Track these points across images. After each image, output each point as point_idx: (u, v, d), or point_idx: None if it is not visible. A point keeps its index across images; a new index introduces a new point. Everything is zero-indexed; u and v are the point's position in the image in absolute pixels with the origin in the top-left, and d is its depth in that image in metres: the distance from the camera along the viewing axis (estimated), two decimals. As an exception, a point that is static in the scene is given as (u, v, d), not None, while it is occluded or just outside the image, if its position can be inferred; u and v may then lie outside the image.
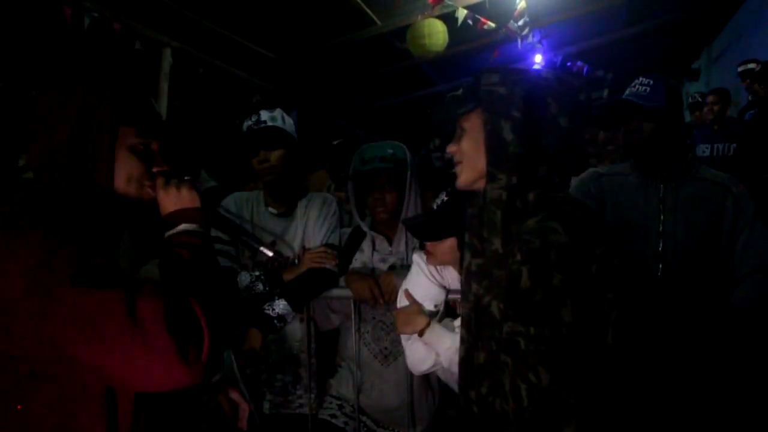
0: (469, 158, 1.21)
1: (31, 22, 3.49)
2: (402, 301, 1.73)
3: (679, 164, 1.86)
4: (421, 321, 1.63)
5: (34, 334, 0.86)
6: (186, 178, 1.11)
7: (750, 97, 4.69)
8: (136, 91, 1.10)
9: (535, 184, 1.15)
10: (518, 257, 1.08)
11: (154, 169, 1.10)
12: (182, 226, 1.05)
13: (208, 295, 0.95)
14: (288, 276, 1.96)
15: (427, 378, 1.96)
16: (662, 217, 1.83)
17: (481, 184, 1.21)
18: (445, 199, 1.62)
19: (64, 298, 0.84)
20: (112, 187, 1.05)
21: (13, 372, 0.91)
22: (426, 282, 1.72)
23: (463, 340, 1.28)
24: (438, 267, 1.73)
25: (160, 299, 0.86)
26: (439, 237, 1.60)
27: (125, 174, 1.06)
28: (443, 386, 1.92)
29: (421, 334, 1.62)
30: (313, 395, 2.04)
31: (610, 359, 1.06)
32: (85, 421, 0.93)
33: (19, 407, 0.92)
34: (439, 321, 1.69)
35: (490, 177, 1.16)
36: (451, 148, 1.25)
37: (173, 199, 1.07)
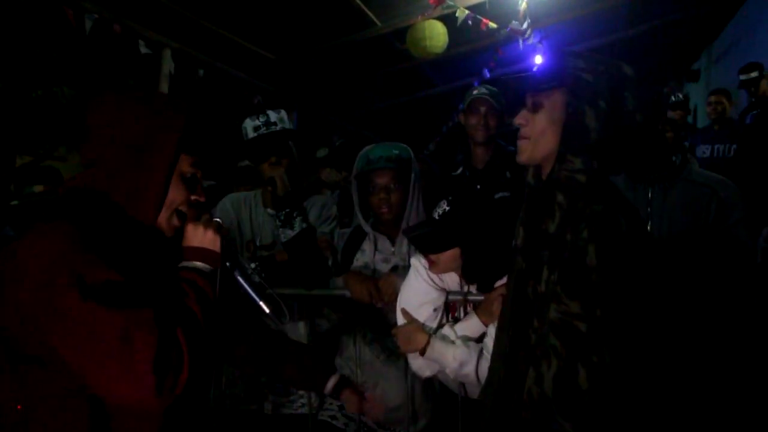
0: (541, 134, 1.18)
1: (31, 23, 3.50)
2: (401, 319, 1.73)
3: (667, 167, 1.85)
4: (421, 339, 1.62)
5: (28, 326, 0.89)
6: (216, 219, 1.14)
7: (752, 99, 4.67)
8: (202, 118, 1.13)
9: (606, 173, 1.15)
10: (585, 234, 1.07)
11: (193, 198, 1.13)
12: (198, 264, 1.08)
13: (197, 336, 0.97)
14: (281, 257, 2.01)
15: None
16: (649, 221, 1.82)
17: (543, 163, 1.20)
18: (447, 209, 1.58)
19: (69, 306, 0.86)
20: (158, 208, 1.08)
21: (10, 357, 0.94)
22: (425, 286, 1.71)
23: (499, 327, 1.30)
24: None
25: (155, 335, 0.88)
26: (443, 249, 1.57)
27: (169, 197, 1.08)
28: (441, 384, 1.92)
29: (422, 352, 1.62)
30: (313, 396, 2.04)
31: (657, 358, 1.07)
32: (72, 415, 0.95)
33: (19, 407, 0.93)
34: (438, 324, 1.69)
35: (560, 158, 1.15)
36: (520, 119, 1.22)
37: (199, 236, 1.10)
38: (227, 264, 1.17)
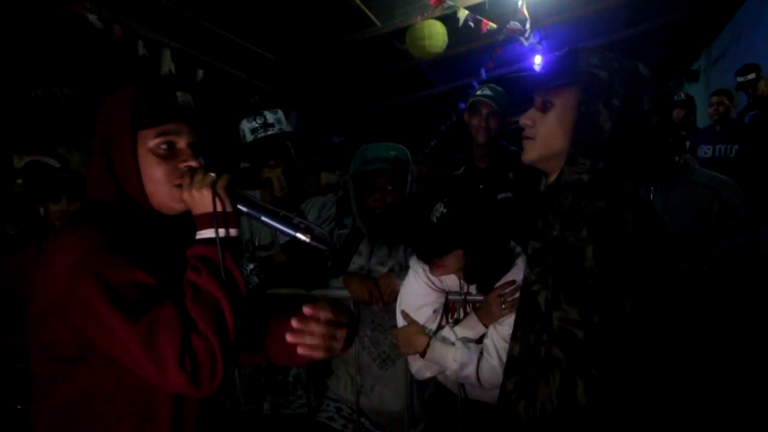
0: (549, 135, 1.12)
1: (32, 23, 3.49)
2: (401, 321, 1.72)
3: (669, 168, 1.83)
4: (422, 341, 1.62)
5: (64, 325, 0.93)
6: (209, 174, 1.01)
7: (750, 99, 4.67)
8: (157, 88, 1.06)
9: (617, 174, 1.10)
10: (584, 233, 1.01)
11: (181, 165, 1.05)
12: (208, 232, 0.99)
13: (223, 318, 0.93)
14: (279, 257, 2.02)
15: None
16: None
17: (549, 164, 1.15)
18: (444, 211, 1.56)
19: (98, 310, 0.88)
20: (144, 194, 1.04)
21: (49, 359, 0.98)
22: (424, 288, 1.71)
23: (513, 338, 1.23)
24: None
25: (178, 334, 0.88)
26: (445, 252, 1.55)
27: (151, 177, 1.03)
28: (439, 386, 1.92)
29: (422, 354, 1.61)
30: (312, 396, 2.04)
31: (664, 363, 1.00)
32: (121, 410, 0.98)
33: (18, 407, 0.94)
34: (438, 325, 1.69)
35: (571, 160, 1.09)
36: (526, 120, 1.16)
37: (197, 201, 1.00)
38: (243, 210, 1.03)
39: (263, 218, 1.05)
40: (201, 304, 0.92)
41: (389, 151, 1.96)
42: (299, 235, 1.03)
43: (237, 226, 1.02)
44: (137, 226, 1.03)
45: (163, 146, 1.04)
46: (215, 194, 0.98)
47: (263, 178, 2.08)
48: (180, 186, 1.03)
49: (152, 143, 1.03)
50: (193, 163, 1.05)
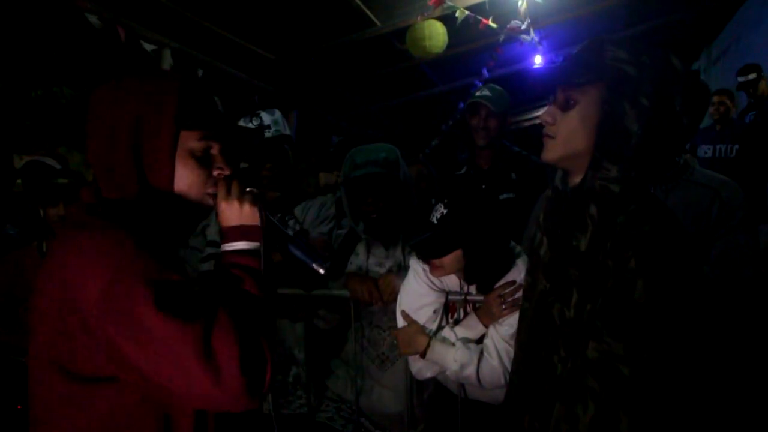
0: (570, 134, 1.05)
1: (32, 22, 3.49)
2: (401, 321, 1.72)
3: (669, 168, 1.83)
4: (422, 341, 1.62)
5: (94, 339, 0.84)
6: (248, 189, 1.04)
7: (751, 99, 4.67)
8: (200, 89, 1.05)
9: (647, 183, 1.02)
10: (633, 264, 0.93)
11: (215, 173, 1.04)
12: (242, 244, 1.00)
13: (272, 328, 0.94)
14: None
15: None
16: None
17: (571, 165, 1.08)
18: (444, 212, 1.55)
19: (143, 320, 0.81)
20: (173, 192, 1.00)
21: (65, 378, 0.88)
22: (425, 288, 1.70)
23: (518, 345, 1.19)
24: None
25: (236, 338, 0.84)
26: (446, 252, 1.55)
27: (186, 180, 1.01)
28: (439, 386, 1.92)
29: (423, 355, 1.61)
30: (312, 396, 2.04)
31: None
32: (141, 422, 0.90)
33: (18, 407, 0.92)
34: (438, 325, 1.69)
35: (595, 164, 1.01)
36: (546, 117, 1.08)
37: (235, 212, 1.01)
38: (273, 233, 1.08)
39: (289, 246, 1.11)
40: (251, 312, 0.91)
41: (378, 153, 1.93)
42: (314, 266, 1.11)
43: (261, 240, 1.04)
44: (160, 227, 1.00)
45: (203, 150, 1.03)
46: (262, 210, 1.03)
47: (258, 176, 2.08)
48: (211, 194, 1.04)
49: (195, 145, 1.01)
50: (227, 172, 1.05)
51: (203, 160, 1.03)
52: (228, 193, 1.03)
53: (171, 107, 0.98)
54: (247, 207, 1.02)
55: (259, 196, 1.04)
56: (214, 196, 1.04)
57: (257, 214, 1.03)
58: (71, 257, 0.86)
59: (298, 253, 1.11)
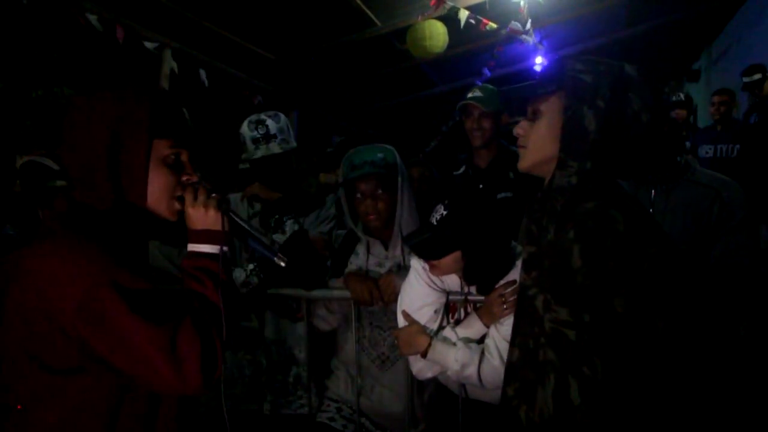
0: (539, 142, 1.16)
1: (32, 22, 3.49)
2: (401, 321, 1.72)
3: (671, 168, 1.83)
4: (423, 341, 1.62)
5: (71, 341, 0.93)
6: (213, 195, 1.13)
7: (755, 100, 4.65)
8: (169, 100, 1.12)
9: (605, 174, 1.11)
10: (571, 234, 1.04)
11: (184, 178, 1.12)
12: (205, 247, 1.10)
13: (225, 324, 1.04)
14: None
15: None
16: None
17: (544, 170, 1.18)
18: (444, 213, 1.55)
19: (116, 325, 0.91)
20: (146, 201, 1.08)
21: (40, 370, 0.96)
22: (425, 288, 1.70)
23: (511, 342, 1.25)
24: None
25: (198, 340, 0.96)
26: (445, 254, 1.55)
27: (157, 186, 1.08)
28: (439, 386, 1.91)
29: (424, 355, 1.61)
30: (312, 396, 2.03)
31: (659, 366, 0.98)
32: (126, 423, 1.02)
33: (18, 407, 0.94)
34: (439, 325, 1.69)
35: (561, 164, 1.12)
36: (518, 130, 1.20)
37: (200, 217, 1.11)
38: (234, 238, 1.19)
39: (249, 241, 1.23)
40: (209, 312, 1.03)
41: (376, 154, 1.92)
42: (276, 259, 1.24)
43: (224, 244, 1.14)
44: (131, 236, 1.08)
45: (173, 157, 1.10)
46: (224, 216, 1.12)
47: (252, 192, 2.12)
48: (178, 198, 1.12)
49: (166, 152, 1.08)
50: (195, 178, 1.13)
51: (174, 167, 1.11)
52: (195, 199, 1.11)
53: (144, 122, 1.05)
54: (211, 212, 1.11)
55: (222, 201, 1.13)
56: (181, 199, 1.12)
57: (219, 219, 1.12)
58: (46, 268, 0.93)
59: (259, 248, 1.24)
